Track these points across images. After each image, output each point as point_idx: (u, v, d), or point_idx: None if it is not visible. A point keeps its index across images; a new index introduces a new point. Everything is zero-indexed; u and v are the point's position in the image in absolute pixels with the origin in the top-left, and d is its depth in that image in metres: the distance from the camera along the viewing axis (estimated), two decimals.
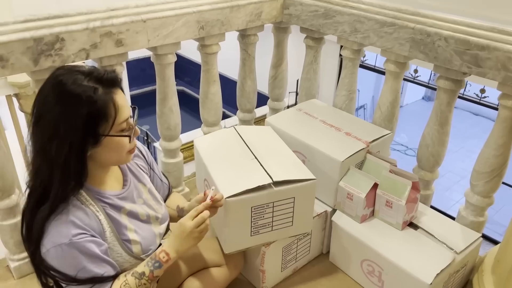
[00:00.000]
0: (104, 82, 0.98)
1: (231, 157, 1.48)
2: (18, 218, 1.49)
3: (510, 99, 1.37)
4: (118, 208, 1.09)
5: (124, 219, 1.09)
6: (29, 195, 1.01)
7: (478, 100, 4.95)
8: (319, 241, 1.65)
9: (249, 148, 1.50)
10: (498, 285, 1.36)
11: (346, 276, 1.60)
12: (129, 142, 1.04)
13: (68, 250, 0.96)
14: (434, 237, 1.45)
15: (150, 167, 1.28)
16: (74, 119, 0.94)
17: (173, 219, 1.33)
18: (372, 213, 1.56)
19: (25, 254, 1.55)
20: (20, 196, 1.49)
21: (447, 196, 6.22)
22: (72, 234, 0.96)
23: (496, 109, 4.75)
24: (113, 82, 1.00)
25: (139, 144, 1.24)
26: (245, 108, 2.05)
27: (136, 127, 1.07)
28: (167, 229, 1.25)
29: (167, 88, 1.71)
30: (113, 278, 1.05)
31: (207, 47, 1.75)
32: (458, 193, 6.40)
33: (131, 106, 1.07)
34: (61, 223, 0.97)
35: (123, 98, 1.02)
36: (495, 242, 4.26)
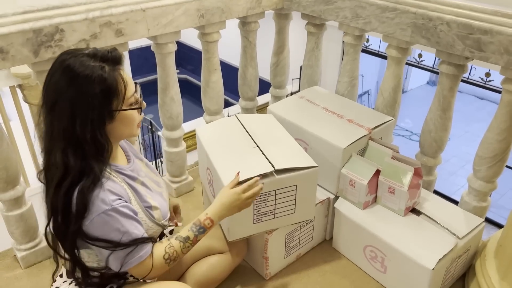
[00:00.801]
0: (109, 61, 1.03)
1: (232, 146, 1.48)
2: (24, 208, 1.51)
3: None
4: (133, 179, 1.15)
5: (140, 188, 1.15)
6: (60, 181, 1.02)
7: (483, 84, 4.91)
8: (322, 228, 1.66)
9: (250, 136, 1.50)
10: (501, 270, 1.36)
11: (349, 262, 1.61)
12: (139, 114, 1.11)
13: (111, 215, 1.02)
14: (437, 222, 1.46)
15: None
16: (90, 98, 0.99)
17: None
18: (375, 200, 1.56)
19: (32, 244, 1.58)
20: (25, 187, 1.50)
21: (452, 180, 6.21)
22: (111, 200, 1.02)
23: (501, 92, 4.72)
24: (117, 60, 1.05)
25: None
26: (247, 96, 2.04)
27: (143, 101, 1.12)
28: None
29: (168, 77, 1.71)
30: (150, 240, 1.11)
31: (207, 35, 1.74)
32: (463, 178, 6.37)
33: (134, 82, 1.12)
34: (99, 193, 1.02)
35: (128, 74, 1.08)
36: (500, 226, 4.26)
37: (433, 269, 1.31)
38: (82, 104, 0.99)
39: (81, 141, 1.00)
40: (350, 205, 1.56)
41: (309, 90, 1.88)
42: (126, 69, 1.11)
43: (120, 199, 1.05)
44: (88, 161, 1.01)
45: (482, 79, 4.82)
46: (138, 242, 1.06)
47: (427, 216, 1.49)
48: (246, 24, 1.87)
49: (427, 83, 9.21)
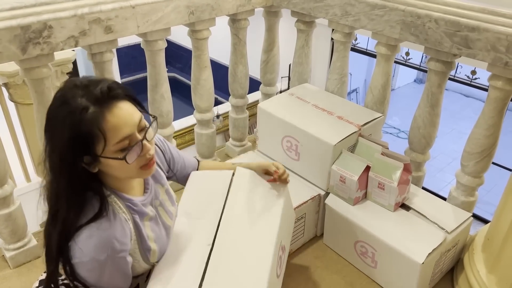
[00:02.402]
0: (97, 100, 0.88)
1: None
2: (12, 208, 1.49)
3: (499, 79, 1.38)
4: (142, 215, 1.05)
5: (146, 228, 1.06)
6: (54, 215, 0.93)
7: (469, 82, 4.97)
8: (313, 224, 1.67)
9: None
10: (488, 263, 1.39)
11: (340, 257, 1.62)
12: (128, 163, 0.91)
13: (105, 265, 0.93)
14: (426, 217, 1.48)
15: (167, 161, 1.22)
16: (60, 141, 0.88)
17: None
18: (365, 195, 1.58)
19: (21, 243, 1.56)
20: (13, 186, 1.49)
21: (439, 177, 6.29)
22: (113, 250, 0.93)
23: (487, 90, 4.79)
24: (106, 98, 0.88)
25: (157, 138, 1.18)
26: (238, 94, 2.04)
27: (147, 143, 0.94)
28: None
29: (159, 74, 1.70)
30: None
31: (197, 32, 1.74)
32: (450, 174, 6.46)
33: (151, 116, 0.98)
34: (102, 237, 0.92)
35: (121, 115, 0.89)
36: (486, 222, 4.33)
37: (423, 263, 1.33)
38: (55, 147, 0.89)
39: (60, 178, 0.90)
40: (341, 201, 1.57)
41: (299, 88, 1.88)
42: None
43: (123, 251, 0.96)
44: (76, 203, 0.92)
45: (468, 77, 4.88)
46: None
47: (417, 211, 1.51)
48: (236, 22, 1.87)
49: (414, 81, 9.30)
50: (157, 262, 1.11)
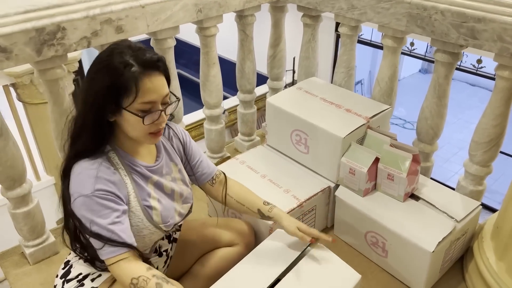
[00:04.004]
0: (141, 62, 1.03)
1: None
2: (31, 205, 1.53)
3: (506, 69, 1.40)
4: (146, 177, 1.17)
5: (149, 188, 1.17)
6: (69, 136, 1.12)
7: (475, 71, 4.97)
8: (323, 216, 1.70)
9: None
10: (498, 250, 1.41)
11: (350, 248, 1.65)
12: (143, 123, 1.06)
13: (88, 201, 1.05)
14: (435, 207, 1.50)
15: (185, 153, 1.32)
16: (99, 84, 1.03)
17: (248, 213, 1.38)
18: (374, 187, 1.60)
19: (39, 240, 1.60)
20: (31, 184, 1.52)
21: (446, 167, 6.29)
22: (95, 188, 1.05)
23: (493, 79, 4.78)
24: (150, 65, 1.04)
25: (180, 129, 1.33)
26: (246, 89, 2.07)
27: (164, 115, 1.09)
28: (189, 211, 1.30)
29: None
30: (128, 248, 1.07)
31: (205, 29, 1.76)
32: (456, 164, 6.46)
33: (176, 98, 1.13)
34: (88, 176, 1.06)
35: (155, 83, 1.05)
36: (494, 211, 4.34)
37: (433, 251, 1.35)
38: (93, 84, 1.04)
39: (79, 114, 1.08)
40: (351, 193, 1.60)
41: (306, 82, 1.90)
42: None
43: (107, 192, 1.06)
44: (79, 135, 1.08)
45: (474, 65, 4.88)
46: (106, 240, 1.05)
47: (426, 201, 1.53)
48: (243, 18, 1.89)
49: (419, 71, 9.28)
50: (164, 225, 1.17)
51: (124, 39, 1.12)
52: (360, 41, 5.66)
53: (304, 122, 1.64)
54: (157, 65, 1.06)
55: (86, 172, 1.06)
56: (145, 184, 1.16)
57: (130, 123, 1.07)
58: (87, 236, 1.07)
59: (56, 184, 3.91)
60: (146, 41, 1.76)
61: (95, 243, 1.06)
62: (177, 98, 1.14)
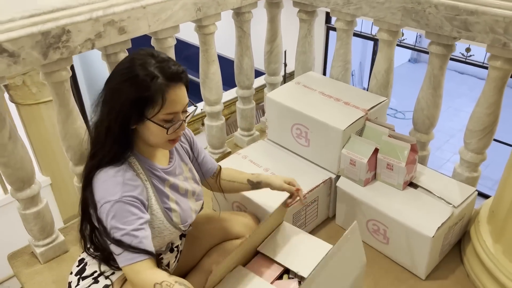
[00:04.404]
0: (167, 75, 1.06)
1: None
2: (40, 206, 1.56)
3: (498, 59, 1.45)
4: (163, 180, 1.20)
5: (167, 190, 1.20)
6: (90, 144, 1.15)
7: (464, 59, 5.05)
8: (325, 206, 1.75)
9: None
10: (494, 233, 1.47)
11: None
12: (167, 133, 1.10)
13: (115, 207, 1.06)
14: (433, 194, 1.56)
15: (192, 151, 1.37)
16: (125, 95, 1.06)
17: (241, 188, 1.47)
18: (374, 177, 1.66)
19: (49, 239, 1.63)
20: (40, 185, 1.55)
21: (438, 155, 6.39)
22: (123, 195, 1.07)
23: (481, 67, 4.86)
24: (175, 77, 1.08)
25: (188, 130, 1.37)
26: (244, 85, 2.11)
27: (184, 123, 1.15)
28: (201, 208, 1.35)
29: None
30: (147, 255, 1.07)
31: (204, 27, 1.79)
32: (448, 152, 6.56)
33: (194, 105, 1.16)
34: (115, 183, 1.08)
35: (179, 94, 1.09)
36: (485, 196, 4.43)
37: (433, 237, 1.41)
38: (118, 96, 1.06)
39: (102, 123, 1.10)
40: (352, 183, 1.65)
41: (304, 76, 1.95)
42: None
43: (133, 198, 1.08)
44: (101, 143, 1.10)
45: (462, 54, 4.95)
46: (126, 246, 1.05)
47: (424, 188, 1.59)
48: (240, 15, 1.92)
49: (409, 61, 9.36)
50: (183, 225, 1.22)
51: (142, 49, 1.12)
52: None
53: (305, 116, 1.69)
54: (182, 77, 1.09)
55: (112, 179, 1.08)
56: (163, 187, 1.19)
57: (152, 132, 1.10)
58: (108, 242, 1.08)
59: (52, 185, 3.92)
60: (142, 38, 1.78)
61: (115, 249, 1.07)
62: (194, 106, 1.17)
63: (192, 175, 1.32)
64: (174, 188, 1.23)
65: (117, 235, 1.06)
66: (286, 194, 1.42)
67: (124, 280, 1.20)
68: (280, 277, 1.34)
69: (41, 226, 1.59)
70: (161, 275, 1.07)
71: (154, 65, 1.06)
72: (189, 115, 1.15)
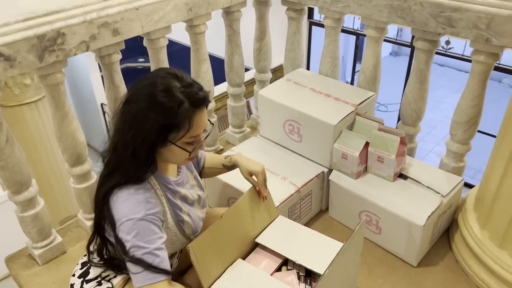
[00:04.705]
0: (194, 101, 1.06)
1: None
2: (38, 208, 1.57)
3: (481, 54, 1.52)
4: (174, 193, 1.21)
5: (178, 202, 1.22)
6: (106, 165, 1.14)
7: (444, 52, 5.16)
8: (319, 200, 1.80)
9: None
10: (480, 220, 1.54)
11: (345, 228, 1.76)
12: (189, 156, 1.13)
13: (138, 225, 1.05)
14: (422, 184, 1.62)
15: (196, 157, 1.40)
16: (152, 123, 1.04)
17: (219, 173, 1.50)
18: (365, 169, 1.71)
19: (47, 241, 1.64)
20: (37, 188, 1.56)
21: (420, 146, 6.47)
22: (146, 213, 1.07)
23: (461, 59, 4.98)
24: (201, 102, 1.09)
25: None
26: (235, 83, 2.14)
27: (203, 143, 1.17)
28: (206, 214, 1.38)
29: None
30: (167, 276, 1.08)
31: (195, 27, 1.81)
32: (430, 143, 6.71)
33: (210, 123, 1.16)
34: (137, 201, 1.07)
35: (203, 118, 1.10)
36: (468, 185, 4.56)
37: (424, 225, 1.48)
38: (145, 123, 1.04)
39: (127, 146, 1.07)
40: (344, 176, 1.70)
41: (294, 73, 1.99)
42: None
43: (156, 216, 1.09)
44: (124, 165, 1.08)
45: (442, 47, 5.06)
46: (146, 266, 1.05)
47: (413, 179, 1.65)
48: (230, 14, 1.95)
49: (390, 54, 9.50)
50: (193, 235, 1.25)
51: (162, 69, 1.12)
52: None
53: (297, 112, 1.73)
54: (206, 102, 1.10)
55: (133, 197, 1.07)
56: (175, 199, 1.21)
57: (174, 153, 1.12)
58: (126, 259, 1.06)
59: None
60: None
61: (133, 267, 1.05)
62: (211, 123, 1.18)
63: (197, 182, 1.35)
64: (184, 199, 1.25)
65: (137, 253, 1.04)
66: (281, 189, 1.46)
67: (125, 283, 1.22)
68: (279, 269, 1.38)
69: (39, 228, 1.59)
70: None
71: (179, 89, 1.05)
72: (208, 134, 1.17)
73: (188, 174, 1.32)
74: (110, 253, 1.19)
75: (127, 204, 1.07)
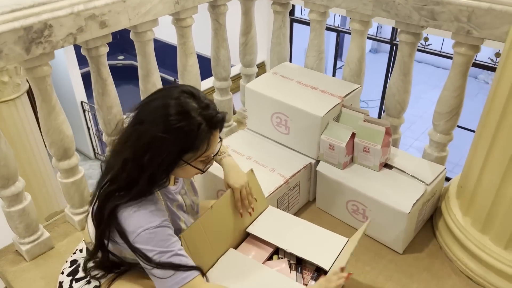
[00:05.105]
0: (212, 123, 1.06)
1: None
2: (25, 203, 1.55)
3: (462, 46, 1.57)
4: (172, 201, 1.22)
5: (178, 211, 1.22)
6: (112, 180, 1.09)
7: (422, 48, 5.27)
8: (306, 191, 1.83)
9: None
10: (463, 207, 1.60)
11: (333, 217, 1.80)
12: (201, 173, 1.14)
13: (156, 233, 1.06)
14: (407, 173, 1.66)
15: None
16: (171, 145, 1.03)
17: None
18: (352, 160, 1.75)
19: (34, 236, 1.62)
20: (24, 182, 1.54)
21: (401, 141, 6.65)
22: (162, 220, 1.08)
23: (439, 55, 5.09)
24: (218, 125, 1.09)
25: None
26: (221, 77, 2.14)
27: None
28: None
29: (149, 64, 1.77)
30: (199, 271, 1.10)
31: (182, 20, 1.82)
32: (409, 138, 6.85)
33: (219, 138, 1.15)
34: (150, 211, 1.07)
35: (217, 137, 1.11)
36: (447, 179, 4.67)
37: (409, 213, 1.52)
38: (162, 145, 1.03)
39: (142, 168, 1.04)
40: (331, 167, 1.73)
41: (280, 67, 2.01)
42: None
43: (167, 221, 1.10)
44: (137, 185, 1.06)
45: (421, 43, 5.17)
46: (176, 267, 1.06)
47: (398, 168, 1.69)
48: (216, 7, 1.95)
49: (370, 51, 9.63)
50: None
51: (177, 87, 1.10)
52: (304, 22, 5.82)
53: (284, 105, 1.75)
54: (222, 124, 1.11)
55: (145, 207, 1.07)
56: (173, 208, 1.21)
57: (186, 171, 1.12)
58: (150, 268, 1.06)
59: None
60: None
61: (163, 273, 1.05)
62: (220, 138, 1.16)
63: (192, 187, 1.35)
64: (181, 207, 1.25)
65: (164, 258, 1.05)
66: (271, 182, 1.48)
67: (111, 282, 1.21)
68: (270, 257, 1.40)
69: (26, 224, 1.58)
70: (218, 287, 1.15)
71: (197, 110, 1.05)
72: (218, 150, 1.17)
73: (185, 181, 1.32)
74: (108, 266, 1.18)
75: (139, 215, 1.06)
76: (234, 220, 1.40)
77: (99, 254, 1.18)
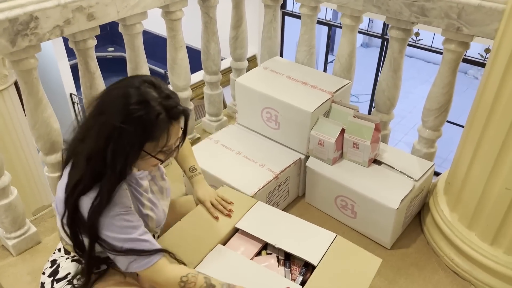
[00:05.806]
0: (170, 112, 1.04)
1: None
2: (11, 197, 1.53)
3: (452, 43, 1.57)
4: (139, 186, 1.20)
5: (143, 197, 1.20)
6: (73, 168, 1.09)
7: (413, 43, 5.28)
8: (296, 186, 1.83)
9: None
10: (450, 203, 1.61)
11: (322, 213, 1.80)
12: (161, 164, 1.13)
13: (115, 220, 1.06)
14: (396, 169, 1.67)
15: None
16: (132, 136, 1.01)
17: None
18: (341, 155, 1.75)
19: (21, 231, 1.61)
20: (10, 176, 1.52)
21: (390, 136, 6.69)
22: (123, 207, 1.08)
23: (429, 50, 5.12)
24: (178, 115, 1.07)
25: None
26: (212, 71, 2.13)
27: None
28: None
29: (138, 57, 1.75)
30: (163, 253, 1.11)
31: (171, 13, 1.79)
32: (399, 133, 6.88)
33: (181, 129, 1.13)
34: (112, 200, 1.07)
35: (178, 129, 1.09)
36: (436, 174, 4.71)
37: (397, 208, 1.53)
38: (124, 136, 1.01)
39: (105, 159, 1.03)
40: (320, 162, 1.73)
41: (271, 61, 2.00)
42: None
43: (130, 208, 1.10)
44: (102, 178, 1.05)
45: (412, 38, 5.18)
46: (139, 252, 1.07)
47: (387, 164, 1.70)
48: (206, 1, 1.93)
49: (361, 45, 9.64)
50: (157, 228, 1.25)
51: (137, 76, 1.09)
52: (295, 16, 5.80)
53: (274, 100, 1.75)
54: (184, 114, 1.09)
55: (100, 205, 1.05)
56: (138, 194, 1.20)
57: (146, 162, 1.09)
58: (114, 255, 1.07)
59: None
60: None
61: (125, 259, 1.06)
62: (182, 130, 1.14)
63: (160, 172, 1.32)
64: (146, 191, 1.23)
65: (126, 245, 1.06)
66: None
67: (94, 281, 1.19)
68: (259, 253, 1.40)
69: (12, 218, 1.56)
70: (183, 268, 1.12)
71: (157, 100, 1.03)
72: (180, 142, 1.15)
73: None
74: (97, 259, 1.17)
75: (109, 207, 1.06)
76: (222, 216, 1.41)
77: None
